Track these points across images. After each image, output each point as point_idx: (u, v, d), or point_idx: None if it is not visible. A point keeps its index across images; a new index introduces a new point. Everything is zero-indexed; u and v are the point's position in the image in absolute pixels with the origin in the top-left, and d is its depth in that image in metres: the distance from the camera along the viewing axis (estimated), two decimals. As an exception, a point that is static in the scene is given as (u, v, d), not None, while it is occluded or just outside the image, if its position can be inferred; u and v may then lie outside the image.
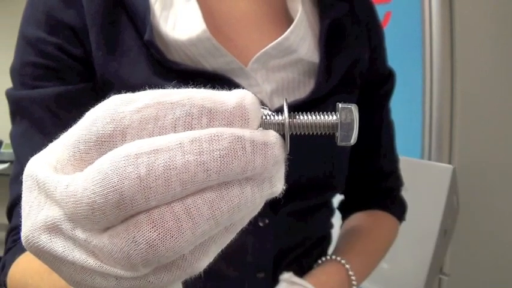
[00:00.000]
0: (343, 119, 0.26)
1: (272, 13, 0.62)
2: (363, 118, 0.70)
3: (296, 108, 0.57)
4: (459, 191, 1.31)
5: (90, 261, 0.23)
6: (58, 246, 0.24)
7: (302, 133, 0.27)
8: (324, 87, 0.60)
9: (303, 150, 0.59)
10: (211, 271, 0.30)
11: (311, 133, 0.27)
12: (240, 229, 0.26)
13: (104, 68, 0.52)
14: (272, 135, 0.24)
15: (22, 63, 0.54)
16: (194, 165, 0.22)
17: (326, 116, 0.27)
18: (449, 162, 1.46)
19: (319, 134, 0.27)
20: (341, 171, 0.66)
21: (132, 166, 0.22)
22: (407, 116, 1.49)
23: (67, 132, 0.25)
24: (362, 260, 0.68)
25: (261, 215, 0.60)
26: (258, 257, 0.61)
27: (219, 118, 0.24)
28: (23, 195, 0.26)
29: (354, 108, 0.26)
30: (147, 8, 0.53)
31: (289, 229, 0.63)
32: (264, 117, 0.26)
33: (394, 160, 0.78)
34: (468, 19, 1.44)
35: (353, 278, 0.64)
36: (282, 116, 0.26)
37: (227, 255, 0.59)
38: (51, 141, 0.51)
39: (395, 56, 1.57)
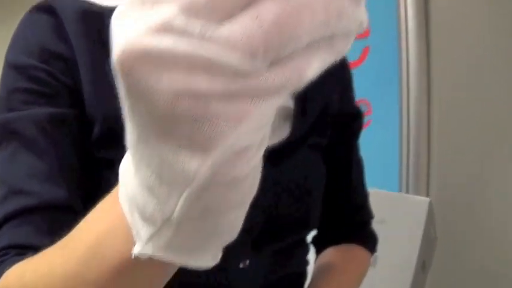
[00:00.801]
0: None
1: None
2: (334, 156, 0.72)
3: (273, 152, 0.58)
4: (437, 222, 1.33)
5: (202, 51, 0.21)
6: (167, 41, 0.21)
7: None
8: (299, 131, 0.61)
9: (281, 190, 0.61)
10: None
11: None
12: (338, 51, 0.24)
13: (92, 103, 0.53)
14: None
15: (10, 90, 0.53)
16: None
17: None
18: (427, 195, 1.49)
19: None
20: (317, 209, 0.67)
21: None
22: (385, 149, 1.52)
23: None
24: None
25: (242, 256, 0.60)
26: None
27: None
28: (117, 15, 0.23)
29: None
30: None
31: (268, 269, 0.64)
32: None
33: (364, 195, 0.80)
34: (445, 54, 1.48)
35: None
36: None
37: None
38: (44, 160, 0.49)
39: (373, 90, 1.61)
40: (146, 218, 0.27)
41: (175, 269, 0.32)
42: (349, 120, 0.75)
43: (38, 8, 0.56)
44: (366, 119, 1.57)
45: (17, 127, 0.51)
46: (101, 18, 0.55)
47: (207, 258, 0.29)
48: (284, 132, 0.61)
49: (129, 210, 0.28)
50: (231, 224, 0.28)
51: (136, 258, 0.28)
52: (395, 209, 1.26)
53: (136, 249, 0.28)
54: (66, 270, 0.34)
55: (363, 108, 1.59)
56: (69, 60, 0.53)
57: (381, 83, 1.56)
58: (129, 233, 0.29)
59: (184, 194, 0.25)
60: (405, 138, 1.48)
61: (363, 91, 1.61)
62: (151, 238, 0.27)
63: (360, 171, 0.79)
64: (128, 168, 0.28)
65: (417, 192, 1.47)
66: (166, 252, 0.27)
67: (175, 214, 0.26)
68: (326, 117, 0.67)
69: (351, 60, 1.61)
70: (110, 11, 0.56)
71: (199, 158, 0.23)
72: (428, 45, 1.50)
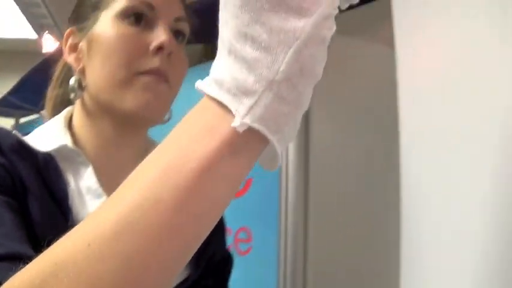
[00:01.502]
0: None
1: None
2: None
3: None
4: None
5: None
6: None
7: None
8: (194, 276, 0.70)
9: None
10: None
11: None
12: None
13: (37, 221, 0.56)
14: None
15: None
16: None
17: None
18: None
19: None
20: None
21: None
22: (264, 275, 1.58)
23: None
24: None
25: None
26: None
27: None
28: None
29: None
30: (66, 195, 0.59)
31: None
32: None
33: None
34: (321, 185, 1.63)
35: None
36: None
37: None
38: (7, 227, 0.49)
39: (253, 219, 1.70)
40: (247, 91, 0.32)
41: (251, 168, 0.37)
42: (224, 263, 0.82)
43: None
44: (246, 246, 1.65)
45: None
46: (34, 153, 0.60)
47: (288, 139, 0.35)
48: (181, 276, 0.69)
49: (226, 97, 0.33)
50: (309, 93, 0.34)
51: (221, 151, 0.33)
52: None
53: (236, 122, 0.32)
54: (126, 206, 0.33)
55: (244, 235, 1.68)
56: (15, 176, 0.56)
57: (262, 212, 1.67)
58: (215, 124, 0.33)
59: (292, 49, 0.32)
60: (282, 265, 1.56)
61: (244, 219, 1.71)
62: (250, 109, 0.32)
63: None
64: (220, 65, 0.34)
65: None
66: (262, 122, 0.32)
67: (281, 69, 0.32)
68: (213, 262, 0.76)
69: (235, 189, 1.71)
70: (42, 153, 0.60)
71: (305, 18, 0.32)
72: (307, 179, 1.64)
